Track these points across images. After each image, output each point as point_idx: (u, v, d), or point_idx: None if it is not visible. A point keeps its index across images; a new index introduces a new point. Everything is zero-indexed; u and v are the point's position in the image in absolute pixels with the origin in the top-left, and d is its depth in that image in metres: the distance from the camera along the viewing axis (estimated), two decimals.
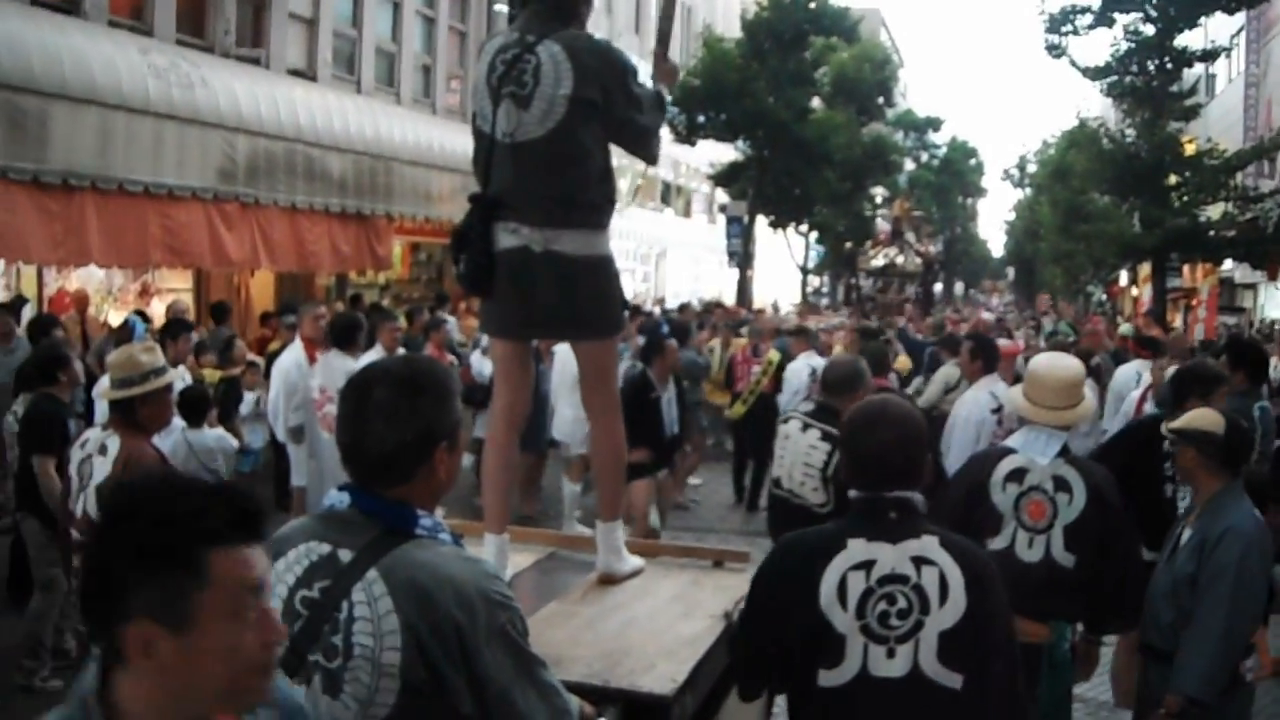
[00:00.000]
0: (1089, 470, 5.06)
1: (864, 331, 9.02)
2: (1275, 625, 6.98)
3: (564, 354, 10.42)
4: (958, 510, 4.99)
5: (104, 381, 7.24)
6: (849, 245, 34.40)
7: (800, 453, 6.21)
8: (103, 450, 5.72)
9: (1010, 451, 5.18)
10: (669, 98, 4.65)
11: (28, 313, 13.70)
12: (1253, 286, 34.54)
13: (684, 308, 23.02)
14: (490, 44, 4.39)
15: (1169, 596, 5.01)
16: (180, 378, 6.47)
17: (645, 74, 4.49)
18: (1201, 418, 5.10)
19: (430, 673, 2.46)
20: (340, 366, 9.06)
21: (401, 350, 10.52)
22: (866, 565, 3.30)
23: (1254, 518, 4.86)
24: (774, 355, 13.36)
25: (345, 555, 2.56)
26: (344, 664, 2.50)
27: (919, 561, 3.29)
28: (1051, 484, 4.93)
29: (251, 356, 12.72)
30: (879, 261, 29.17)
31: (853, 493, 3.53)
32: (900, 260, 28.86)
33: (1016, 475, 5.03)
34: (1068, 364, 5.39)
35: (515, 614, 2.60)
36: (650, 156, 4.59)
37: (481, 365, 11.93)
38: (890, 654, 3.25)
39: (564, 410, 10.94)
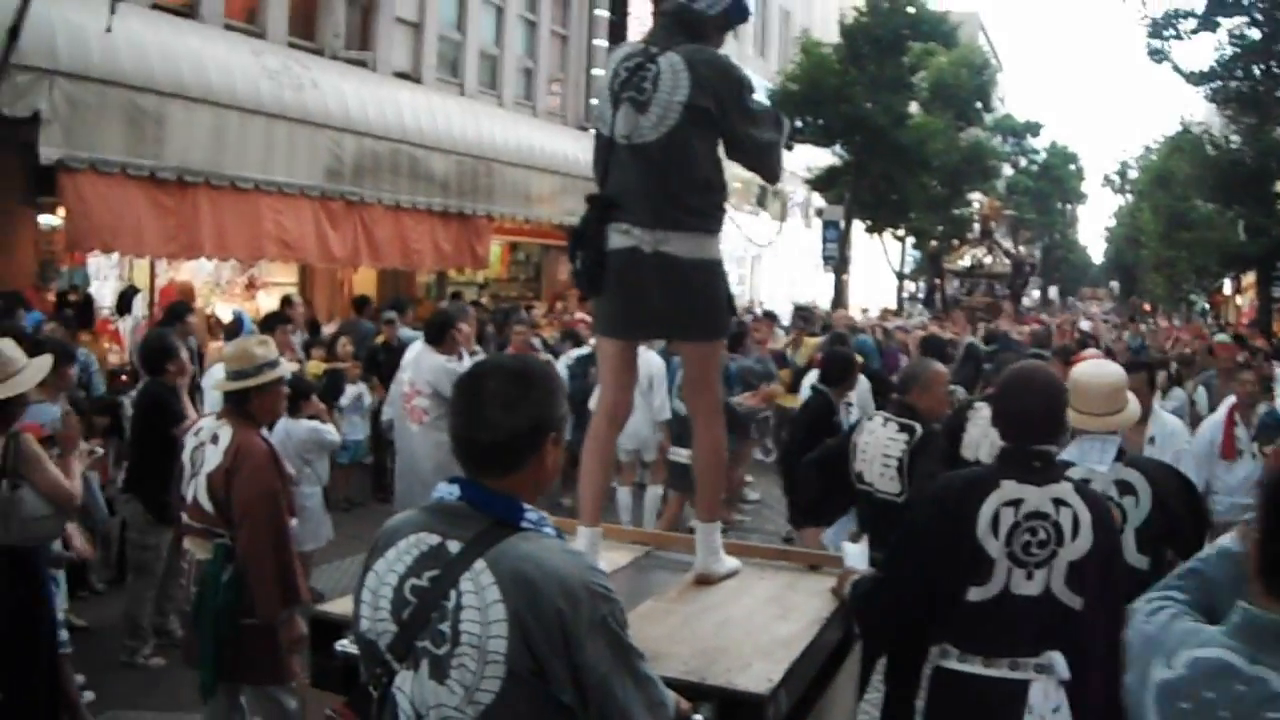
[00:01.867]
0: (1150, 470, 5.12)
1: (928, 343, 8.91)
2: None
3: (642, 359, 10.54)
4: None
5: (216, 372, 7.45)
6: (934, 244, 33.86)
7: (881, 445, 6.35)
8: (215, 439, 5.80)
9: (1069, 464, 5.11)
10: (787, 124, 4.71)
11: (139, 303, 14.16)
12: None
13: (769, 315, 23.11)
14: (617, 53, 4.56)
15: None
16: (285, 370, 6.67)
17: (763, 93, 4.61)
18: None
19: (534, 660, 2.55)
20: (430, 362, 9.34)
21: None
22: (1015, 503, 3.92)
23: None
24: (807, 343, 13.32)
25: (454, 546, 2.65)
26: (451, 650, 2.58)
27: (1058, 503, 3.94)
28: (1116, 489, 4.98)
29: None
30: (965, 262, 28.53)
31: (1003, 444, 4.17)
32: (988, 261, 28.20)
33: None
34: (1109, 369, 5.48)
35: (616, 606, 2.68)
36: (772, 175, 4.66)
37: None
38: (1029, 576, 3.90)
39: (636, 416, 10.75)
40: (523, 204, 20.42)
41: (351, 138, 16.20)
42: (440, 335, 9.57)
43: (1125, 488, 4.98)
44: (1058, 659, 3.85)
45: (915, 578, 4.05)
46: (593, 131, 4.59)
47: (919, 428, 6.30)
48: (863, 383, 10.69)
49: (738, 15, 4.61)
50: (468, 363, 8.62)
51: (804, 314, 19.19)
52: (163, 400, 8.06)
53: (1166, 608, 2.88)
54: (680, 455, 9.58)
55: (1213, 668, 2.51)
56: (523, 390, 2.73)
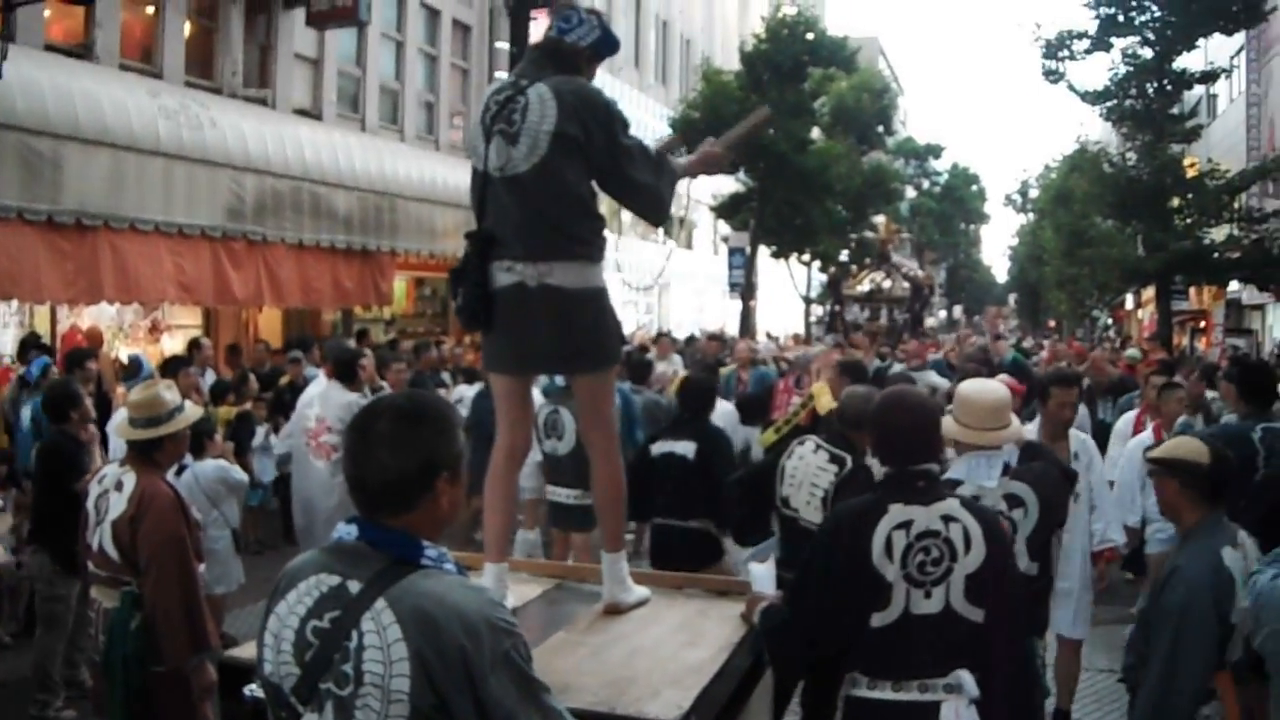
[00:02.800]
0: (1033, 479, 5.30)
1: (846, 367, 8.75)
2: None
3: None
4: None
5: (120, 418, 7.34)
6: (832, 270, 34.11)
7: (810, 473, 6.24)
8: (119, 486, 5.77)
9: (957, 483, 5.26)
10: (684, 175, 4.72)
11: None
12: (1260, 308, 34.40)
13: (690, 340, 23.14)
14: (490, 88, 4.56)
15: (1136, 636, 5.13)
16: (196, 414, 6.62)
17: (652, 115, 4.63)
18: (1184, 447, 4.98)
19: (438, 698, 2.55)
20: (338, 399, 9.31)
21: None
22: (906, 524, 3.97)
23: (1209, 559, 4.62)
24: (818, 388, 13.00)
25: (354, 586, 2.64)
26: (355, 691, 2.58)
27: (947, 519, 3.99)
28: (1005, 503, 5.16)
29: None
30: (864, 287, 28.66)
31: (885, 468, 4.23)
32: (888, 285, 28.36)
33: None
34: (993, 387, 5.58)
35: (519, 640, 2.69)
36: (651, 217, 4.69)
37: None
38: (927, 595, 3.94)
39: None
40: (427, 239, 20.34)
41: (252, 176, 16.07)
42: (349, 372, 9.55)
43: (1014, 500, 5.19)
44: (966, 677, 3.89)
45: (819, 611, 4.07)
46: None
47: (849, 460, 6.18)
48: (723, 406, 10.54)
49: (607, 47, 4.65)
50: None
51: (703, 344, 19.25)
52: (66, 450, 7.95)
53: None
54: (558, 494, 9.31)
55: None
56: (412, 430, 2.72)
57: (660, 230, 41.96)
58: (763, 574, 4.66)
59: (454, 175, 20.37)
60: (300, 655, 2.66)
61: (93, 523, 5.78)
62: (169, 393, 6.11)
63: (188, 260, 14.85)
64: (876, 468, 6.21)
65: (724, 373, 15.93)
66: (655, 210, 4.63)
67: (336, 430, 9.21)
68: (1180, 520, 4.96)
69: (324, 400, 9.50)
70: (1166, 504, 5.07)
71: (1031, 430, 7.24)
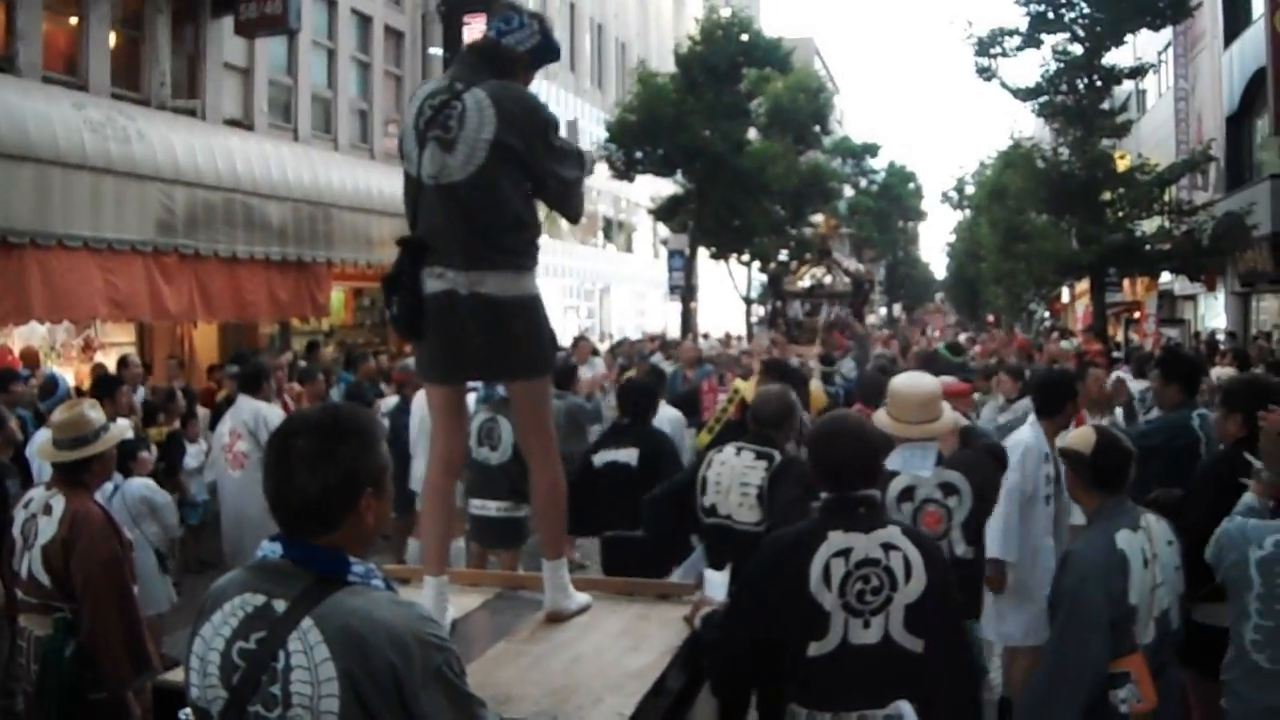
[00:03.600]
0: (966, 466, 5.43)
1: (770, 366, 8.58)
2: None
3: (419, 403, 10.21)
4: None
5: (43, 439, 7.14)
6: (773, 266, 34.14)
7: (738, 475, 6.14)
8: (47, 510, 5.64)
9: (894, 474, 5.49)
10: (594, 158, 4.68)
11: None
12: (1192, 298, 34.89)
13: (621, 344, 23.05)
14: (421, 89, 4.45)
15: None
16: (125, 431, 6.46)
17: (589, 119, 4.55)
18: (1077, 437, 5.10)
19: (369, 717, 2.51)
20: (247, 407, 9.43)
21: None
22: (845, 552, 3.90)
23: (1103, 543, 4.69)
24: (740, 384, 13.04)
25: (280, 605, 2.59)
26: (284, 714, 2.53)
27: (887, 547, 3.92)
28: (940, 491, 5.31)
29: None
30: (805, 282, 28.54)
31: (824, 494, 4.13)
32: (829, 280, 28.24)
33: (908, 493, 5.42)
34: (924, 381, 5.80)
35: (451, 655, 2.64)
36: (573, 213, 4.64)
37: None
38: (866, 625, 3.87)
39: (420, 463, 10.10)
40: (363, 249, 20.16)
41: (182, 189, 15.86)
42: (255, 384, 9.62)
43: (948, 489, 5.32)
44: (905, 708, 3.85)
45: (752, 636, 4.01)
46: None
47: (777, 455, 6.12)
48: (667, 411, 10.39)
49: (547, 54, 4.58)
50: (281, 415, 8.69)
51: (630, 344, 19.19)
52: None
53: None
54: (485, 507, 9.04)
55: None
56: (332, 447, 2.66)
57: (600, 234, 41.95)
58: (718, 580, 4.66)
59: (389, 184, 20.20)
60: (227, 678, 2.60)
61: (20, 548, 5.64)
62: (94, 411, 5.98)
63: (119, 276, 14.61)
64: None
65: (670, 372, 15.89)
66: (579, 206, 4.63)
67: (245, 438, 9.33)
68: (1083, 506, 5.10)
69: (234, 412, 9.61)
70: (1071, 492, 5.22)
71: (1027, 430, 7.34)
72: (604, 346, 23.53)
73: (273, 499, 2.67)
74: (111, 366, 14.04)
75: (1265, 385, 6.11)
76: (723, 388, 13.69)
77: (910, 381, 5.81)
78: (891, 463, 5.55)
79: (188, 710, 3.21)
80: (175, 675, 4.03)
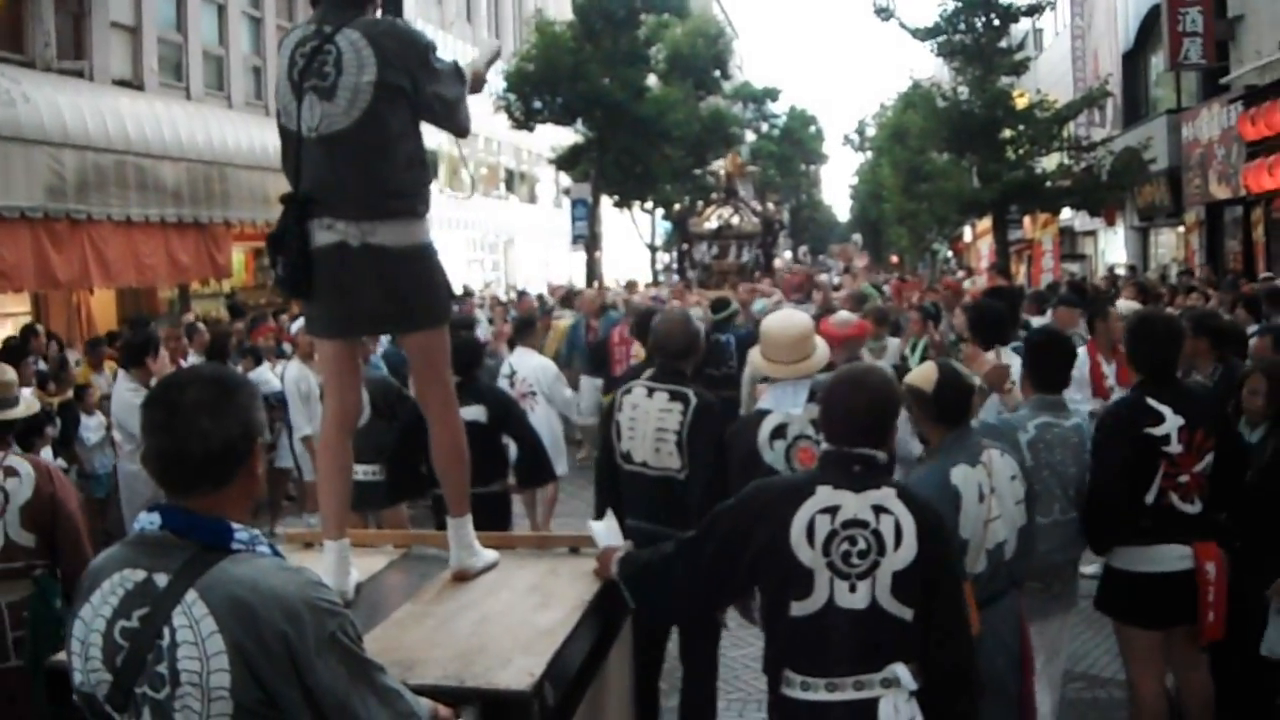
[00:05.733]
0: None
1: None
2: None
3: (294, 370, 10.13)
4: (738, 474, 5.36)
5: None
6: (677, 208, 33.87)
7: (653, 419, 5.99)
8: (11, 472, 5.57)
9: (766, 412, 5.59)
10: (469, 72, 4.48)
11: None
12: (1093, 234, 35.38)
13: (523, 295, 22.88)
14: (288, 39, 4.24)
15: None
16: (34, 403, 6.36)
17: (490, 75, 4.46)
18: (918, 374, 5.11)
19: (263, 691, 2.42)
20: (119, 397, 9.19)
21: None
22: (832, 510, 3.76)
23: (937, 478, 4.72)
24: None
25: (161, 579, 2.48)
26: (172, 693, 2.43)
27: (878, 510, 3.77)
28: (813, 428, 5.28)
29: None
30: (712, 224, 28.08)
31: (825, 445, 4.00)
32: (736, 221, 27.82)
33: (780, 431, 5.49)
34: (795, 320, 5.90)
35: (345, 620, 2.57)
36: (459, 129, 4.44)
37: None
38: (852, 588, 3.73)
39: (300, 429, 10.14)
40: (262, 207, 19.70)
41: (72, 152, 15.44)
42: (137, 358, 9.10)
43: (819, 425, 5.22)
44: (902, 670, 3.71)
45: (714, 568, 3.95)
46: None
47: (690, 394, 5.97)
48: (537, 360, 10.75)
49: None
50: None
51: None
52: None
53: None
54: (355, 472, 8.81)
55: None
56: (227, 396, 2.57)
57: (502, 186, 41.65)
58: (603, 529, 4.57)
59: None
60: (110, 660, 2.49)
61: None
62: (9, 375, 5.99)
63: (5, 245, 14.21)
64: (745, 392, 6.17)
65: (569, 321, 15.54)
66: (466, 121, 4.42)
67: (117, 428, 9.11)
68: (929, 442, 5.17)
69: (116, 397, 9.31)
70: (914, 426, 5.37)
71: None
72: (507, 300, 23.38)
73: (169, 454, 2.55)
74: (4, 336, 13.78)
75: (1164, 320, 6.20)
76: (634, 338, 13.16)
77: (782, 322, 5.86)
78: (764, 402, 5.73)
79: None
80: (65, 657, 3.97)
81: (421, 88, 4.15)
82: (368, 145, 4.08)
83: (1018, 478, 4.91)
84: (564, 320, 16.30)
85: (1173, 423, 5.45)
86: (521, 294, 20.93)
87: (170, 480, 2.57)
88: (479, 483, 7.28)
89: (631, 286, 23.61)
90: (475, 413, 7.35)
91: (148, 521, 2.57)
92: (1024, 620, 5.08)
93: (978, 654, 4.49)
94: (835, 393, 4.02)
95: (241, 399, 2.59)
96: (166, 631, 2.43)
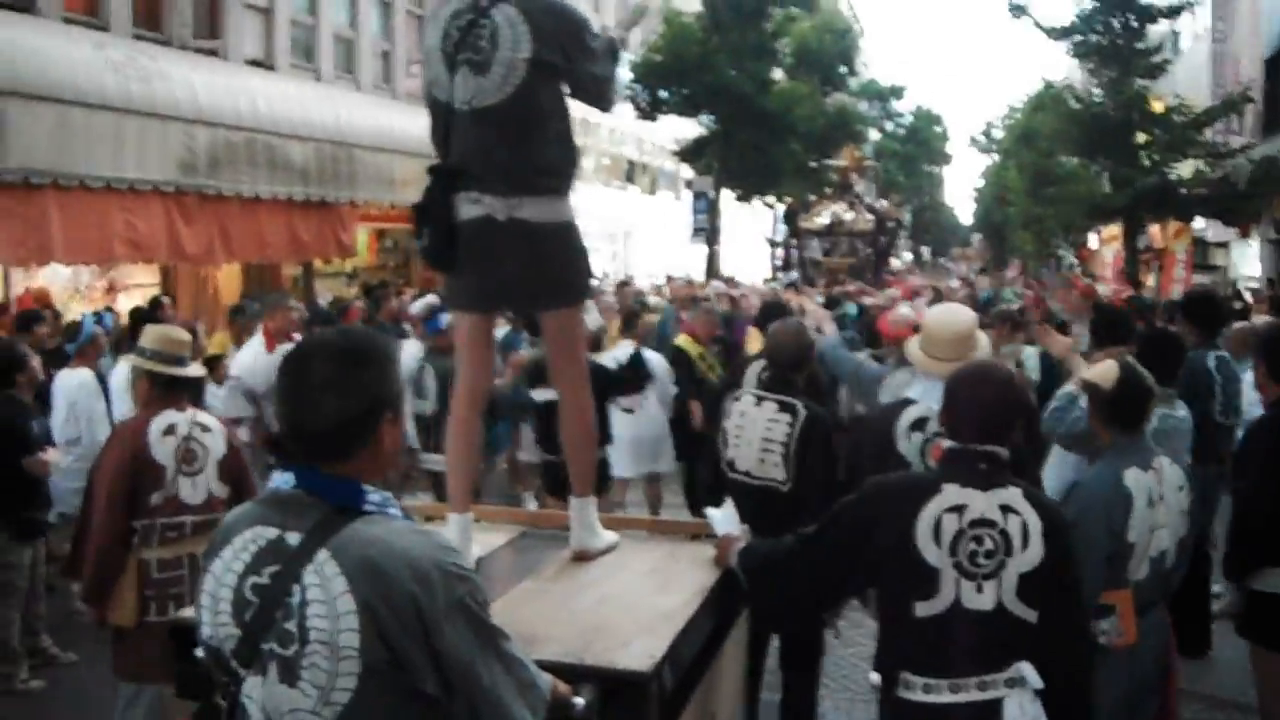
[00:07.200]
0: None
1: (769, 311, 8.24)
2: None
3: (410, 350, 10.11)
4: (869, 460, 5.38)
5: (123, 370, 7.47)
6: (788, 202, 33.17)
7: (760, 429, 5.96)
8: (204, 428, 5.88)
9: (911, 402, 5.54)
10: (623, 49, 4.55)
11: None
12: (1225, 245, 34.41)
13: (623, 286, 22.79)
14: (443, 10, 4.27)
15: None
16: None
17: (618, 67, 4.47)
18: (1098, 372, 5.00)
19: (390, 652, 2.41)
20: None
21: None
22: (959, 509, 3.69)
23: (1110, 478, 4.65)
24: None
25: (293, 538, 2.49)
26: (300, 650, 2.42)
27: (1005, 509, 3.70)
28: None
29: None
30: (824, 219, 27.42)
31: (948, 443, 3.91)
32: (849, 217, 27.14)
33: (920, 424, 5.42)
34: (961, 316, 5.76)
35: (474, 585, 2.54)
36: (606, 106, 4.51)
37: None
38: (979, 589, 3.65)
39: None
40: (386, 189, 19.98)
41: (204, 129, 15.67)
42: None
43: None
44: (1027, 669, 3.64)
45: (832, 572, 3.91)
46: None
47: (799, 406, 5.94)
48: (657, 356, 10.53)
49: None
50: None
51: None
52: (11, 416, 7.65)
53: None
54: (433, 462, 8.78)
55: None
56: (352, 371, 2.54)
57: (624, 176, 41.72)
58: (722, 517, 4.51)
59: (413, 124, 19.96)
60: (240, 615, 2.49)
61: (175, 474, 5.76)
62: (184, 334, 6.24)
63: (139, 217, 14.45)
64: (845, 403, 6.12)
65: (660, 314, 15.09)
66: (613, 97, 4.49)
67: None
68: (1101, 441, 5.02)
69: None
70: (1089, 423, 5.17)
71: None
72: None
73: (289, 426, 2.56)
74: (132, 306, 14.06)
75: None
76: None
77: (944, 315, 5.76)
78: (912, 391, 5.63)
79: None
80: (192, 612, 4.02)
81: (576, 65, 4.17)
82: (519, 121, 4.11)
83: (1185, 488, 4.78)
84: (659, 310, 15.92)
85: None
86: (622, 284, 20.74)
87: (293, 448, 2.58)
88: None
89: (731, 283, 23.19)
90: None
91: (282, 480, 2.58)
92: (1172, 633, 4.99)
93: (1132, 661, 4.51)
94: (960, 389, 3.94)
95: (368, 375, 2.56)
96: (296, 589, 2.43)
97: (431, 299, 11.49)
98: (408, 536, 2.51)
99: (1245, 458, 5.58)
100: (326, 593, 2.41)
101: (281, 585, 2.45)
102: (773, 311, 8.88)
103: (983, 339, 5.71)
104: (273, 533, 2.51)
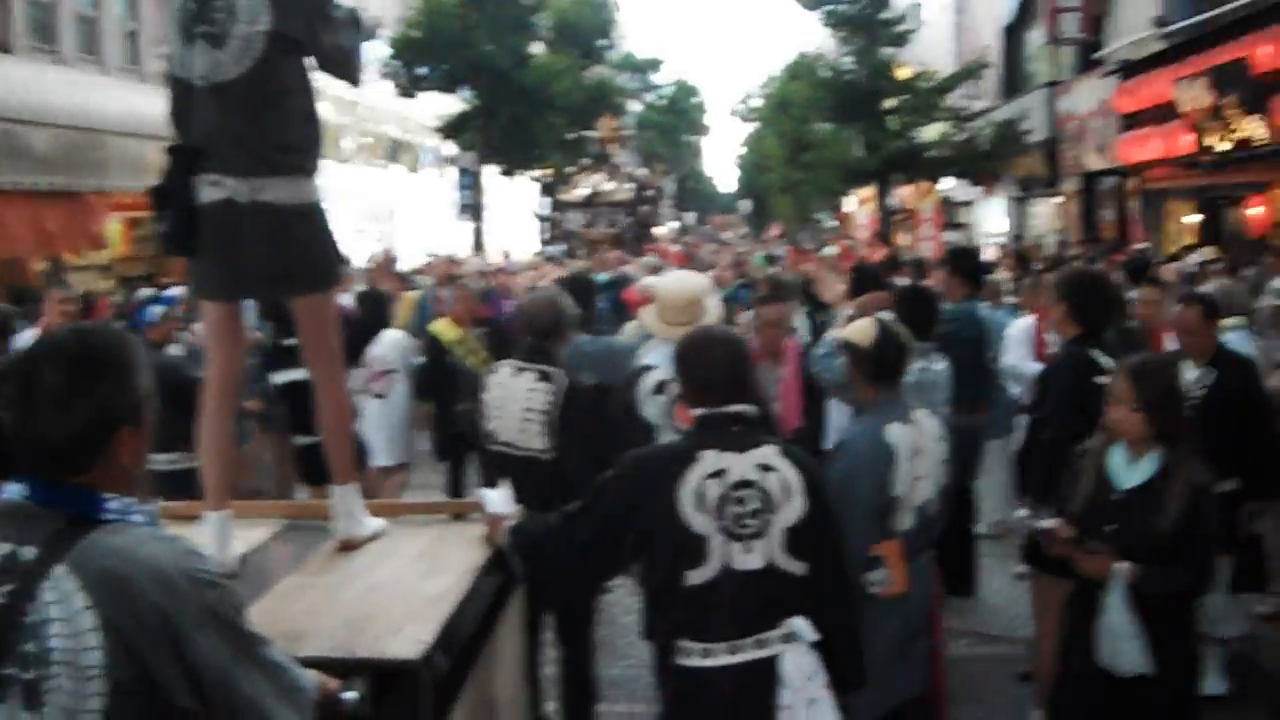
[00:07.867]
0: None
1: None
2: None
3: None
4: (617, 427, 5.61)
5: None
6: (545, 174, 32.79)
7: (520, 399, 5.91)
8: None
9: (651, 368, 5.73)
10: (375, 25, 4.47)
11: None
12: (969, 203, 35.98)
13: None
14: None
15: None
16: None
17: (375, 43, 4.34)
18: (856, 330, 5.12)
19: (139, 668, 2.28)
20: None
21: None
22: (719, 473, 3.73)
23: (873, 434, 4.79)
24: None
25: (28, 553, 2.32)
26: (43, 673, 2.27)
27: (764, 468, 3.76)
28: None
29: None
30: (583, 191, 27.01)
31: (697, 411, 3.93)
32: (609, 187, 26.80)
33: (660, 387, 5.66)
34: (690, 282, 6.01)
35: (225, 591, 2.43)
36: (353, 79, 4.34)
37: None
38: (747, 549, 3.70)
39: None
40: (138, 176, 19.08)
41: None
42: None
43: None
44: (800, 624, 3.70)
45: (592, 545, 3.93)
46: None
47: (561, 376, 5.89)
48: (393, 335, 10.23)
49: None
50: None
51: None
52: None
53: None
54: (155, 461, 8.48)
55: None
56: (83, 381, 2.37)
57: (387, 156, 41.14)
58: (496, 496, 4.45)
59: (163, 107, 19.39)
60: None
61: None
62: None
63: None
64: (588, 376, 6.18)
65: (419, 293, 14.66)
66: (359, 71, 4.35)
67: None
68: (861, 398, 5.20)
69: None
70: (850, 382, 5.32)
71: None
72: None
73: (14, 437, 2.38)
74: None
75: (1093, 278, 6.42)
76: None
77: (675, 283, 5.99)
78: (651, 358, 5.82)
79: None
80: None
81: (319, 37, 4.05)
82: (259, 97, 3.95)
83: (944, 439, 4.96)
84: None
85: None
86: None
87: (23, 460, 2.41)
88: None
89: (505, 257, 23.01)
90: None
91: (12, 491, 2.41)
92: (939, 579, 5.20)
93: (903, 607, 4.68)
94: (689, 354, 4.02)
95: (105, 384, 2.40)
96: (33, 609, 2.29)
97: (146, 291, 11.08)
98: (151, 544, 2.38)
99: (1047, 390, 5.92)
100: (66, 610, 2.27)
101: (17, 605, 2.30)
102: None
103: (712, 305, 5.89)
104: (5, 548, 2.35)
